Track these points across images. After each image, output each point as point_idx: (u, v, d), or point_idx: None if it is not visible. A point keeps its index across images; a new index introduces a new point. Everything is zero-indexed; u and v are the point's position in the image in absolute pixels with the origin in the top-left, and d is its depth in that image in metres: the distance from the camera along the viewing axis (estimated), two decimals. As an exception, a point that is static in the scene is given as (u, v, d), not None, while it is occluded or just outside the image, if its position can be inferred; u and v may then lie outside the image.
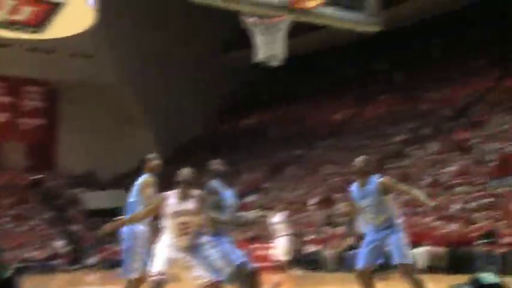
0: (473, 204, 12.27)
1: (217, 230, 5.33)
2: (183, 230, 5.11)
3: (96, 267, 22.47)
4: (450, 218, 11.93)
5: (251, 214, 17.04)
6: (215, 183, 5.46)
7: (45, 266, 21.49)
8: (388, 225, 5.49)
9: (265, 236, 15.31)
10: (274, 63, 5.44)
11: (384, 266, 6.06)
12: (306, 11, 4.84)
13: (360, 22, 5.12)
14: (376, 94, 27.73)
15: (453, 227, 11.73)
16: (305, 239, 15.60)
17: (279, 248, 10.73)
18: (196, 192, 5.20)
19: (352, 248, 13.52)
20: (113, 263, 22.18)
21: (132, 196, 6.44)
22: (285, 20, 5.07)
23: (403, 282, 5.52)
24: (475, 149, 15.67)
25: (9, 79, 28.93)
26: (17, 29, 5.06)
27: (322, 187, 19.10)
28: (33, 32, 5.09)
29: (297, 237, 15.90)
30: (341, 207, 15.92)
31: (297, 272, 14.65)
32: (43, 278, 19.64)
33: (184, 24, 30.65)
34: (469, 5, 27.06)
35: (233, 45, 30.89)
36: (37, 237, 23.90)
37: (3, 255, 13.76)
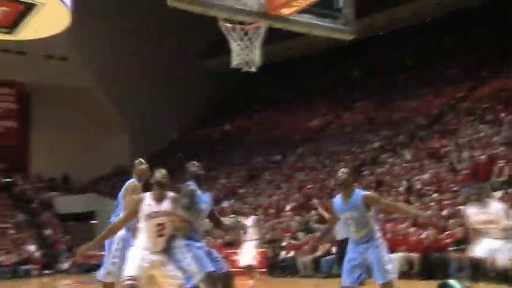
0: (446, 211, 12.43)
1: (190, 234, 5.29)
2: (158, 231, 5.12)
3: (69, 272, 22.21)
4: (424, 225, 12.08)
5: (227, 219, 16.96)
6: (192, 186, 5.43)
7: (17, 271, 21.12)
8: (368, 239, 5.53)
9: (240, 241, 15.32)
10: (251, 69, 5.46)
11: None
12: (282, 18, 4.89)
13: (334, 30, 5.17)
14: (352, 101, 28.01)
15: (427, 233, 11.87)
16: (281, 244, 15.63)
17: (248, 252, 10.63)
18: (170, 194, 5.22)
19: (327, 253, 13.62)
20: (86, 268, 21.97)
21: (118, 200, 6.37)
22: (262, 27, 5.10)
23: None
24: (448, 157, 15.89)
25: (-19, 81, 28.50)
26: (-12, 30, 5.00)
27: (298, 193, 19.16)
28: (6, 32, 5.04)
29: (273, 242, 15.97)
30: (317, 212, 15.97)
31: (272, 277, 14.70)
32: (15, 283, 19.34)
33: (161, 29, 30.55)
34: (442, 15, 27.59)
35: (210, 51, 30.94)
36: (9, 241, 23.48)
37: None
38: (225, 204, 20.98)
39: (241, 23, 5.06)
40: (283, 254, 15.28)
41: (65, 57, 28.81)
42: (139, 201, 5.16)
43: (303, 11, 4.93)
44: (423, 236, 11.98)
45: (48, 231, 25.62)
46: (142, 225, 5.15)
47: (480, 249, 6.77)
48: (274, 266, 15.38)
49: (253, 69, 5.42)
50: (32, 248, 22.78)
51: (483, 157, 14.14)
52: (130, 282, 5.01)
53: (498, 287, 9.83)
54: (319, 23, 5.12)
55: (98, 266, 21.65)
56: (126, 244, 5.81)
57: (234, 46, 5.07)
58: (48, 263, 23.12)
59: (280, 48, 31.64)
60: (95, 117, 31.78)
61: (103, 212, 27.81)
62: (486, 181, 13.62)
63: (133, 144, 31.49)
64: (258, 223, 10.75)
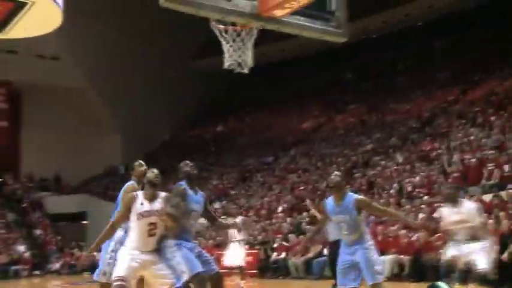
0: (437, 214, 12.46)
1: (182, 234, 5.28)
2: (150, 231, 5.14)
3: (59, 273, 22.11)
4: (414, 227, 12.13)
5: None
6: (183, 185, 5.42)
7: (7, 271, 20.97)
8: (358, 242, 5.61)
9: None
10: (243, 70, 5.47)
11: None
12: (275, 20, 4.89)
13: (326, 32, 5.18)
14: (345, 104, 28.09)
15: (417, 235, 11.92)
16: (272, 246, 15.64)
17: (235, 253, 10.59)
18: (162, 194, 5.26)
19: (319, 255, 13.64)
20: (76, 269, 21.91)
21: (117, 202, 6.37)
22: (254, 28, 5.10)
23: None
24: (440, 159, 15.95)
25: (-29, 79, 28.32)
26: (-22, 28, 4.96)
27: (290, 195, 19.17)
28: (-4, 31, 5.01)
29: (265, 244, 15.97)
30: (309, 214, 16.00)
31: (263, 278, 14.71)
32: (4, 283, 19.22)
33: (153, 29, 30.49)
34: (434, 18, 27.75)
35: (202, 52, 30.92)
36: (-2, 242, 23.34)
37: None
38: (217, 205, 20.96)
39: (233, 24, 5.05)
40: (274, 255, 15.29)
41: (56, 57, 28.68)
42: (133, 199, 5.19)
43: (296, 12, 4.93)
44: (414, 238, 12.04)
45: (38, 232, 25.49)
46: (134, 224, 5.16)
47: (452, 251, 6.58)
48: (265, 267, 15.39)
49: (245, 71, 5.42)
50: (22, 248, 22.64)
51: (473, 160, 14.20)
52: (119, 283, 5.00)
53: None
54: (312, 25, 5.12)
55: (90, 267, 21.44)
56: (122, 245, 5.82)
57: (227, 47, 5.06)
58: (39, 264, 23.01)
59: (272, 49, 31.69)
60: (87, 117, 31.64)
61: (94, 212, 27.74)
62: (476, 184, 13.73)
63: (125, 145, 31.41)
64: (244, 224, 10.70)
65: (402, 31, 28.85)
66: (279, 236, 15.88)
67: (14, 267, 21.22)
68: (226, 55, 5.04)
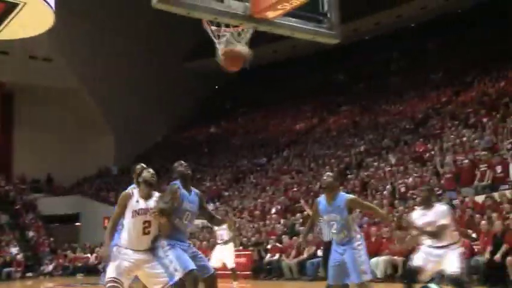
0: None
1: (175, 234, 5.27)
2: (144, 229, 5.17)
3: (52, 275, 22.02)
4: (407, 228, 12.13)
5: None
6: (177, 184, 5.42)
7: (0, 273, 20.90)
8: (348, 241, 5.73)
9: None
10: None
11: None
12: (267, 21, 4.89)
13: (319, 34, 5.18)
14: (337, 105, 28.14)
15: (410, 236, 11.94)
16: (266, 247, 15.64)
17: (221, 255, 10.56)
18: (157, 193, 5.32)
19: (313, 256, 13.65)
20: (69, 271, 21.83)
21: None
22: (247, 29, 5.09)
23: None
24: (433, 160, 16.01)
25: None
26: (-31, 29, 4.93)
27: (283, 196, 19.18)
28: (-14, 32, 4.98)
29: (258, 245, 15.97)
30: (303, 216, 16.03)
31: (257, 280, 14.70)
32: (-3, 285, 19.13)
33: (147, 30, 30.45)
34: (427, 20, 27.88)
35: (196, 53, 30.91)
36: (-9, 243, 23.22)
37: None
38: (210, 206, 20.92)
39: (226, 25, 5.05)
40: (268, 256, 15.29)
41: (48, 58, 28.58)
42: (128, 197, 5.21)
43: (288, 14, 4.93)
44: (407, 239, 12.05)
45: (31, 233, 25.36)
46: (129, 222, 5.17)
47: (419, 256, 6.40)
48: (259, 268, 15.39)
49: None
50: (14, 250, 22.52)
51: (466, 161, 14.26)
52: (112, 284, 5.00)
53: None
54: (304, 26, 5.12)
55: (81, 269, 21.32)
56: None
57: (219, 47, 5.06)
58: (31, 266, 22.92)
59: (265, 51, 31.74)
60: (80, 118, 31.58)
61: (87, 213, 27.69)
62: (469, 185, 13.79)
63: (118, 146, 31.37)
64: (231, 226, 10.67)
65: (395, 32, 28.95)
66: (273, 237, 15.88)
67: (6, 269, 21.12)
68: (218, 54, 5.04)
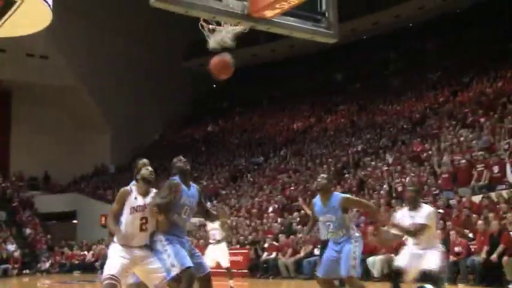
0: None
1: (174, 230, 5.28)
2: (142, 225, 5.17)
3: (49, 272, 22.01)
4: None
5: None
6: (176, 179, 5.41)
7: (-4, 271, 20.87)
8: (345, 239, 5.83)
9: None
10: (226, 45, 5.47)
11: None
12: (265, 20, 4.89)
13: (317, 33, 5.19)
14: (335, 104, 28.15)
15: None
16: (263, 246, 15.66)
17: (213, 254, 10.53)
18: (154, 190, 5.34)
19: (310, 255, 13.67)
20: (65, 268, 21.83)
21: None
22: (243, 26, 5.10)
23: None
24: (430, 160, 16.02)
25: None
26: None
27: (281, 195, 19.19)
28: (-17, 30, 4.97)
29: (255, 244, 15.98)
30: (300, 215, 16.04)
31: (254, 278, 14.71)
32: (-7, 282, 19.11)
33: (145, 28, 30.41)
34: (425, 20, 27.91)
35: (194, 52, 30.87)
36: (-12, 241, 23.18)
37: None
38: (208, 205, 20.92)
39: (218, 23, 5.04)
40: (265, 255, 15.30)
41: (45, 56, 28.52)
42: (127, 193, 5.21)
43: (286, 13, 4.93)
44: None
45: (28, 231, 25.35)
46: (126, 218, 5.16)
47: (402, 257, 6.37)
48: (256, 267, 15.41)
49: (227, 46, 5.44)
50: (11, 247, 22.50)
51: (463, 161, 14.27)
52: (110, 281, 4.99)
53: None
54: (302, 25, 5.13)
55: (78, 266, 21.36)
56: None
57: (212, 37, 5.07)
58: (28, 263, 22.92)
59: (263, 50, 31.79)
60: (77, 116, 31.56)
61: (84, 211, 27.69)
62: (466, 185, 13.81)
63: (115, 144, 31.34)
64: (225, 224, 10.65)
65: (393, 32, 28.97)
66: (270, 236, 15.90)
67: (3, 266, 21.09)
68: (209, 39, 5.05)
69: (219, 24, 4.94)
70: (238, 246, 16.43)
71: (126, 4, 28.30)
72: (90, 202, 27.08)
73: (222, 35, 4.95)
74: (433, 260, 6.05)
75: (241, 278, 14.68)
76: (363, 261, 11.02)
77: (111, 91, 30.30)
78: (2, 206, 26.34)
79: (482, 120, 16.96)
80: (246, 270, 15.46)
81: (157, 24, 27.86)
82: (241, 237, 16.75)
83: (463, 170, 14.15)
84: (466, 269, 10.75)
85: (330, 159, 20.71)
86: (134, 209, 5.16)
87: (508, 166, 13.09)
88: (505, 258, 9.87)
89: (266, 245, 15.53)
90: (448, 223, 11.75)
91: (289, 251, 14.52)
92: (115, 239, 5.23)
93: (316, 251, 12.95)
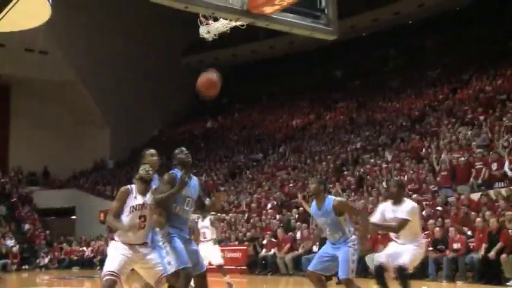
0: (425, 212, 12.55)
1: (175, 222, 5.28)
2: (140, 223, 5.20)
3: (48, 267, 22.03)
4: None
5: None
6: (175, 173, 5.42)
7: (-5, 266, 20.87)
8: (342, 241, 5.85)
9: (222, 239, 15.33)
10: (214, 35, 5.47)
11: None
12: (264, 16, 4.89)
13: (316, 30, 5.19)
14: (334, 101, 28.14)
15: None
16: (262, 242, 15.67)
17: (207, 252, 10.51)
18: (152, 188, 5.35)
19: (309, 252, 13.68)
20: (64, 264, 21.85)
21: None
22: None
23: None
24: (429, 158, 16.03)
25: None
26: (-34, 21, 4.91)
27: (279, 191, 19.19)
28: (-17, 25, 4.96)
29: (254, 240, 15.99)
30: (299, 212, 16.05)
31: (253, 275, 14.73)
32: (-8, 278, 19.10)
33: (144, 25, 30.37)
34: (424, 17, 27.89)
35: (193, 48, 30.85)
36: (-14, 236, 23.18)
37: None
38: (206, 201, 20.92)
39: (214, 19, 5.04)
40: (263, 252, 15.31)
41: (44, 51, 28.47)
42: (127, 193, 5.23)
43: (286, 10, 4.94)
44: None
45: (27, 226, 25.37)
46: (126, 217, 5.18)
47: (382, 254, 6.41)
48: (254, 263, 15.42)
49: (211, 36, 5.42)
50: (10, 242, 22.52)
51: (462, 159, 14.28)
52: (110, 277, 5.01)
53: (476, 286, 10.01)
54: (302, 22, 5.13)
55: (77, 262, 21.35)
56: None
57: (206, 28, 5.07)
58: (27, 258, 22.93)
59: (262, 47, 31.75)
60: (76, 111, 31.53)
61: (83, 207, 27.68)
62: (465, 183, 13.81)
63: (114, 139, 31.33)
64: (215, 223, 10.63)
65: (392, 29, 28.95)
66: (268, 232, 15.91)
67: (2, 261, 21.10)
68: (203, 28, 5.05)
69: (216, 20, 4.95)
70: (236, 242, 16.44)
71: (125, 1, 28.25)
72: (89, 198, 27.08)
73: (217, 25, 4.97)
74: (407, 256, 6.10)
75: (240, 275, 14.70)
76: (362, 258, 11.02)
77: (111, 86, 30.27)
78: (1, 201, 26.37)
79: (481, 117, 16.96)
80: (244, 267, 15.47)
81: (157, 20, 27.83)
82: (240, 234, 16.75)
83: (462, 168, 14.15)
84: (465, 266, 10.76)
85: (329, 156, 20.72)
86: (134, 208, 5.20)
87: (506, 164, 13.09)
88: (504, 255, 9.88)
89: (265, 242, 15.54)
90: (447, 220, 11.77)
91: (286, 247, 14.55)
92: (115, 236, 5.25)
93: (315, 248, 12.97)
